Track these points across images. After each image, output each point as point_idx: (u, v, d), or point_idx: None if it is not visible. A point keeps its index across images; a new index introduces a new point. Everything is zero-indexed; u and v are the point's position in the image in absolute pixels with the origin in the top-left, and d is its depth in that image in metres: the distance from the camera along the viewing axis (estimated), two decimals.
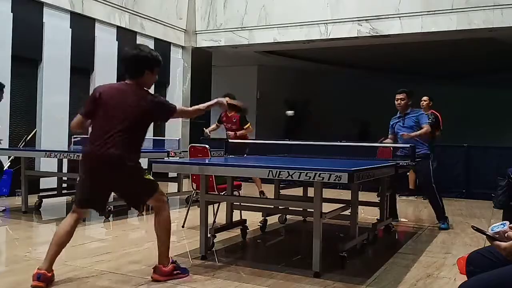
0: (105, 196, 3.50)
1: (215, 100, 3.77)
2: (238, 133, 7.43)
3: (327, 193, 4.55)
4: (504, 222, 1.95)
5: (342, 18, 9.70)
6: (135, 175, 3.34)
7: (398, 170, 4.59)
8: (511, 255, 1.85)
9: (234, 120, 7.55)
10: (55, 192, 6.75)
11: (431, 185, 5.75)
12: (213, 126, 7.98)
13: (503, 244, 1.86)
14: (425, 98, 8.54)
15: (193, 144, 5.67)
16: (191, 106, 12.13)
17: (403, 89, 5.88)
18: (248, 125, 7.58)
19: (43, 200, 6.29)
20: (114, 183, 3.33)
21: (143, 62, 3.38)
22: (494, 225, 1.95)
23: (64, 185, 6.94)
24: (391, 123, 6.01)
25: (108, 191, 3.54)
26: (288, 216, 5.83)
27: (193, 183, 5.46)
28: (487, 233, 1.94)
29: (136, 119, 3.28)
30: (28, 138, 7.72)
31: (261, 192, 7.60)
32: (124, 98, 3.30)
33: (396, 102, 5.85)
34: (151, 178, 3.43)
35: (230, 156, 5.54)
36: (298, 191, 5.74)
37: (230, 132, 7.51)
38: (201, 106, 3.72)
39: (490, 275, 1.84)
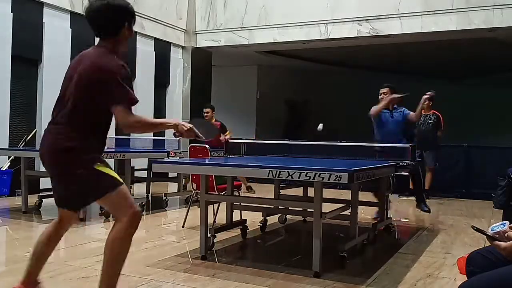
0: (62, 190, 2.64)
1: (174, 122, 2.82)
2: (227, 137, 7.74)
3: (327, 193, 4.55)
4: (504, 222, 1.95)
5: (342, 18, 9.69)
6: (74, 164, 2.50)
7: (397, 170, 4.60)
8: (511, 255, 1.85)
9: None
10: None
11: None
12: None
13: (503, 244, 1.86)
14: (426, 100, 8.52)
15: (193, 144, 5.67)
16: (191, 107, 12.25)
17: (387, 83, 6.20)
18: (228, 132, 8.23)
19: (43, 200, 6.28)
20: (53, 173, 2.62)
21: (118, 13, 2.60)
22: (494, 225, 1.95)
23: None
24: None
25: (61, 184, 2.64)
26: (288, 216, 5.83)
27: (193, 183, 5.46)
28: (487, 233, 1.94)
29: (81, 93, 2.50)
30: (28, 138, 7.72)
31: (249, 187, 8.03)
32: (78, 64, 2.59)
33: (380, 97, 6.13)
34: (110, 171, 2.55)
35: (230, 156, 5.55)
36: (298, 191, 5.74)
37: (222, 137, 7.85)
38: (158, 121, 3.09)
39: (490, 275, 1.84)
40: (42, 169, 7.95)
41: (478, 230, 2.00)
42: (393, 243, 5.10)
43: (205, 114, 8.15)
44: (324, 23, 9.89)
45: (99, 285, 2.54)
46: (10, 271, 3.63)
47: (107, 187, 2.50)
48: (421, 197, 6.27)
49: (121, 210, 2.52)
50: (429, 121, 8.37)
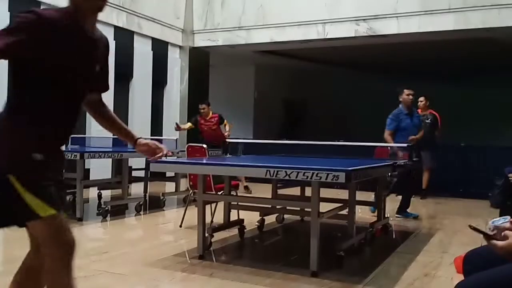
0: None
1: None
2: (227, 134, 8.12)
3: (325, 192, 4.55)
4: (506, 216, 1.95)
5: (340, 18, 9.70)
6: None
7: (395, 170, 4.61)
8: (507, 255, 1.85)
9: (213, 121, 8.20)
10: None
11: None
12: (187, 125, 8.53)
13: (499, 243, 1.87)
14: (421, 98, 8.55)
15: (190, 144, 5.67)
16: (189, 106, 12.25)
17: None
18: (226, 121, 8.33)
19: None
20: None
21: None
22: (495, 219, 1.94)
23: None
24: (395, 118, 6.09)
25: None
26: (285, 216, 5.83)
27: (190, 183, 5.45)
28: (484, 231, 1.94)
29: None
30: None
31: (246, 187, 8.21)
32: None
33: (409, 98, 6.11)
34: (36, 200, 1.79)
35: (228, 155, 5.55)
36: (295, 191, 5.75)
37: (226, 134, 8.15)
38: None
39: (486, 274, 1.84)
40: None
41: (475, 229, 1.99)
42: (390, 243, 5.11)
43: (202, 111, 8.27)
44: (321, 23, 9.89)
45: None
46: (7, 271, 3.61)
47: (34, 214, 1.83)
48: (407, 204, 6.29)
49: (50, 242, 1.91)
50: (427, 121, 8.39)
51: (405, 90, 6.18)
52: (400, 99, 6.23)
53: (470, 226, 2.00)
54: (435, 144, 8.44)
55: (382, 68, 14.67)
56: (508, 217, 1.94)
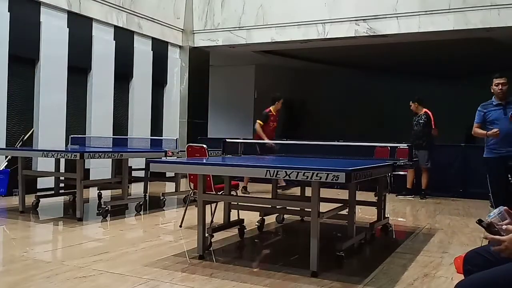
0: None
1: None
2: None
3: (325, 192, 4.55)
4: (499, 208, 1.94)
5: (340, 18, 9.70)
6: None
7: (395, 170, 4.61)
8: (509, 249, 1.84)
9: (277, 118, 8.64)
10: (53, 192, 6.74)
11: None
12: (257, 125, 8.57)
13: (502, 237, 1.86)
14: (410, 104, 8.61)
15: (190, 144, 5.67)
16: (189, 106, 12.27)
17: (500, 73, 5.22)
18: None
19: (40, 200, 6.28)
20: None
21: None
22: (490, 214, 1.94)
23: (61, 184, 6.93)
24: (482, 109, 5.35)
25: None
26: (285, 216, 5.83)
27: (190, 183, 5.45)
28: (489, 221, 1.91)
29: None
30: (25, 137, 7.71)
31: (244, 188, 8.26)
32: None
33: (497, 88, 5.15)
34: None
35: (228, 155, 5.55)
36: (295, 191, 5.75)
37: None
38: None
39: (486, 274, 1.84)
40: (40, 168, 7.98)
41: (480, 222, 1.96)
42: (390, 243, 5.11)
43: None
44: (321, 23, 9.90)
45: None
46: (7, 271, 3.62)
47: None
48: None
49: None
50: (420, 121, 8.45)
51: (494, 79, 5.20)
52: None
53: (478, 221, 1.96)
54: (430, 144, 8.43)
55: (382, 68, 14.66)
56: (501, 207, 1.93)
